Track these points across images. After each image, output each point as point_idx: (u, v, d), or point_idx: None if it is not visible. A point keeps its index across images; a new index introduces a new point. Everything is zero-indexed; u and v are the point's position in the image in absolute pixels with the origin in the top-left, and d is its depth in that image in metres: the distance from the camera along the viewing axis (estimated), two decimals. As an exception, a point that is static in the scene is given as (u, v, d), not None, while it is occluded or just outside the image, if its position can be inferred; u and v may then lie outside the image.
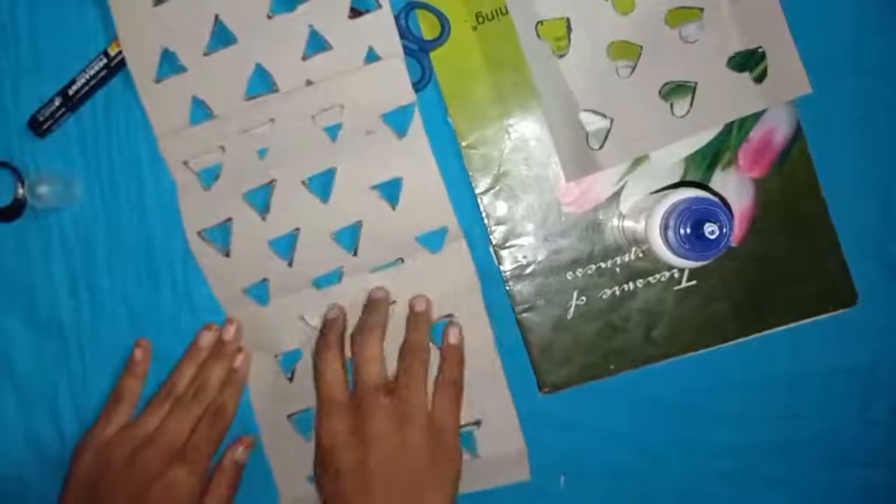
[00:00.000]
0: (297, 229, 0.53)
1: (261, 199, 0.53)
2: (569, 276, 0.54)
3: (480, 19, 0.53)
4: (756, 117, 0.53)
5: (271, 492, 0.56)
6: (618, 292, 0.54)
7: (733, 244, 0.53)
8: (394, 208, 0.53)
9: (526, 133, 0.53)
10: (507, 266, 0.54)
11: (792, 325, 0.53)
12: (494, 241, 0.54)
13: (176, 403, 0.52)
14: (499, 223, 0.54)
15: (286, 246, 0.54)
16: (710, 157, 0.53)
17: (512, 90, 0.53)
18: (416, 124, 0.52)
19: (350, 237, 0.53)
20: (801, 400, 0.55)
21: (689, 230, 0.46)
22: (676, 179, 0.53)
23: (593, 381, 0.54)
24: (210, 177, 0.54)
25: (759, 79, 0.52)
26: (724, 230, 0.45)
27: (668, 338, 0.53)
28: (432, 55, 0.53)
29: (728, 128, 0.53)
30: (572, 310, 0.54)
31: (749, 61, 0.52)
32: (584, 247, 0.53)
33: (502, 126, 0.53)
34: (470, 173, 0.53)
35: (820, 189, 0.53)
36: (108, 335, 0.55)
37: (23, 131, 0.54)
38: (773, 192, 0.53)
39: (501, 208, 0.54)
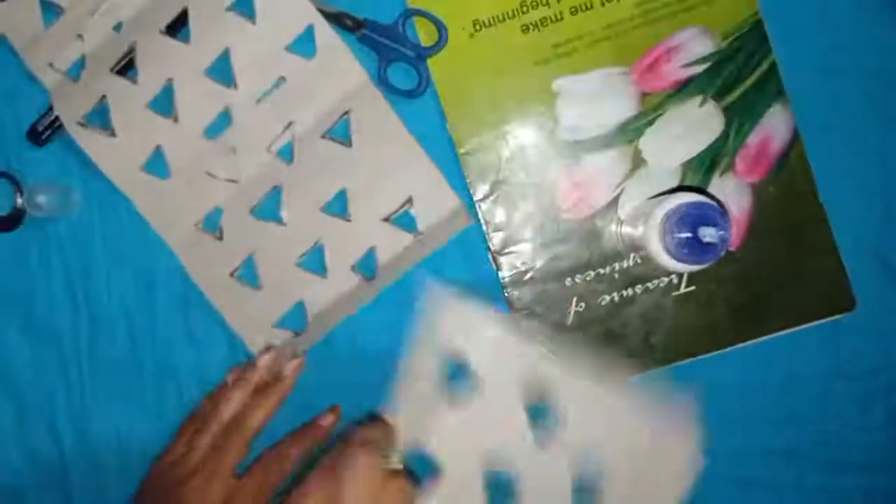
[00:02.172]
0: (170, 80, 0.52)
1: (128, 65, 0.52)
2: (567, 282, 0.54)
3: (477, 26, 0.53)
4: (753, 122, 0.53)
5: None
6: (616, 298, 0.54)
7: (732, 249, 0.53)
8: (253, 23, 0.51)
9: (524, 139, 0.53)
10: (505, 272, 0.54)
11: (790, 330, 0.53)
12: (493, 248, 0.54)
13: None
14: (497, 230, 0.54)
15: (166, 103, 0.52)
16: (708, 163, 0.53)
17: (509, 97, 0.53)
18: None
19: (222, 67, 0.52)
20: (800, 405, 0.55)
21: (687, 234, 0.46)
22: (674, 184, 0.53)
23: (593, 387, 0.54)
24: (76, 69, 0.53)
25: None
26: (723, 234, 0.45)
27: (667, 344, 0.53)
28: (429, 62, 0.53)
29: (725, 133, 0.53)
30: (571, 316, 0.54)
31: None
32: (582, 253, 0.53)
33: (500, 133, 0.53)
34: (468, 180, 0.53)
35: (817, 194, 0.53)
36: (105, 345, 0.55)
37: (21, 141, 0.54)
38: (770, 197, 0.53)
39: (500, 215, 0.54)
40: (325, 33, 0.52)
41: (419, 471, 0.47)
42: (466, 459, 0.46)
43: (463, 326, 0.47)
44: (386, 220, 0.53)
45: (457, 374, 0.47)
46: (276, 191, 0.53)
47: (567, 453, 0.46)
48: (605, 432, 0.46)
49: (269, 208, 0.54)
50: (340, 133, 0.53)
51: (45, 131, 0.53)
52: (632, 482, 0.45)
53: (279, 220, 0.53)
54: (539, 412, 0.47)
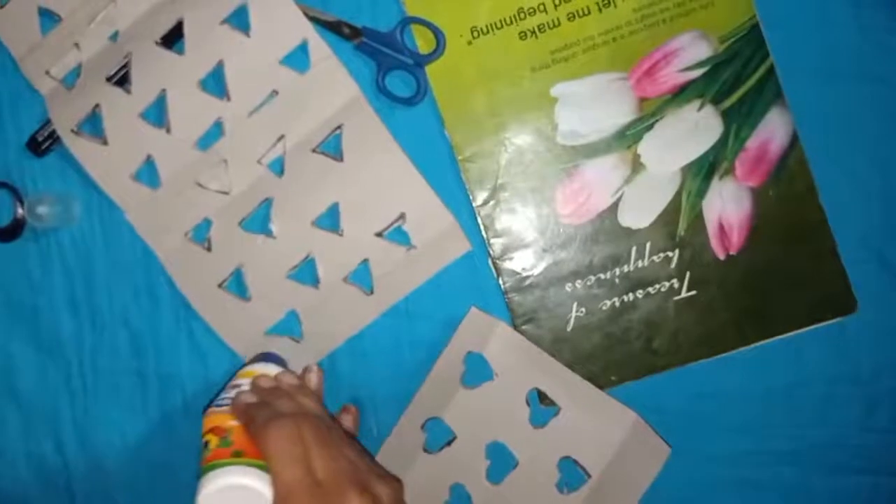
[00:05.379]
0: (164, 90, 0.52)
1: (121, 76, 0.53)
2: (568, 287, 0.54)
3: (475, 34, 0.53)
4: (752, 126, 0.53)
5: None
6: (618, 303, 0.54)
7: (733, 253, 0.53)
8: (248, 36, 0.52)
9: (523, 145, 0.53)
10: (506, 278, 0.54)
11: (793, 333, 0.53)
12: (493, 254, 0.54)
13: None
14: (497, 236, 0.54)
15: (159, 113, 0.53)
16: (707, 167, 0.53)
17: (508, 103, 0.53)
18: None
19: (215, 79, 0.53)
20: (803, 408, 0.55)
21: None
22: (674, 189, 0.53)
23: (595, 392, 0.54)
24: (72, 77, 0.53)
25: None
26: None
27: (668, 348, 0.53)
28: (428, 69, 0.53)
29: (724, 137, 0.53)
30: (572, 321, 0.54)
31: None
32: (582, 258, 0.53)
33: (499, 139, 0.53)
34: (468, 186, 0.54)
35: (818, 197, 0.53)
36: (108, 355, 0.55)
37: (21, 151, 0.54)
38: (771, 200, 0.53)
39: (500, 221, 0.54)
40: (319, 48, 0.52)
41: (437, 436, 0.54)
42: (474, 430, 0.53)
43: (482, 328, 0.53)
44: (379, 234, 0.53)
45: (475, 363, 0.54)
46: (267, 203, 0.53)
47: (557, 435, 0.53)
48: (591, 421, 0.52)
49: (259, 221, 0.54)
50: (332, 148, 0.53)
51: (45, 142, 0.54)
52: (609, 466, 0.52)
53: (269, 233, 0.53)
54: (537, 399, 0.54)
